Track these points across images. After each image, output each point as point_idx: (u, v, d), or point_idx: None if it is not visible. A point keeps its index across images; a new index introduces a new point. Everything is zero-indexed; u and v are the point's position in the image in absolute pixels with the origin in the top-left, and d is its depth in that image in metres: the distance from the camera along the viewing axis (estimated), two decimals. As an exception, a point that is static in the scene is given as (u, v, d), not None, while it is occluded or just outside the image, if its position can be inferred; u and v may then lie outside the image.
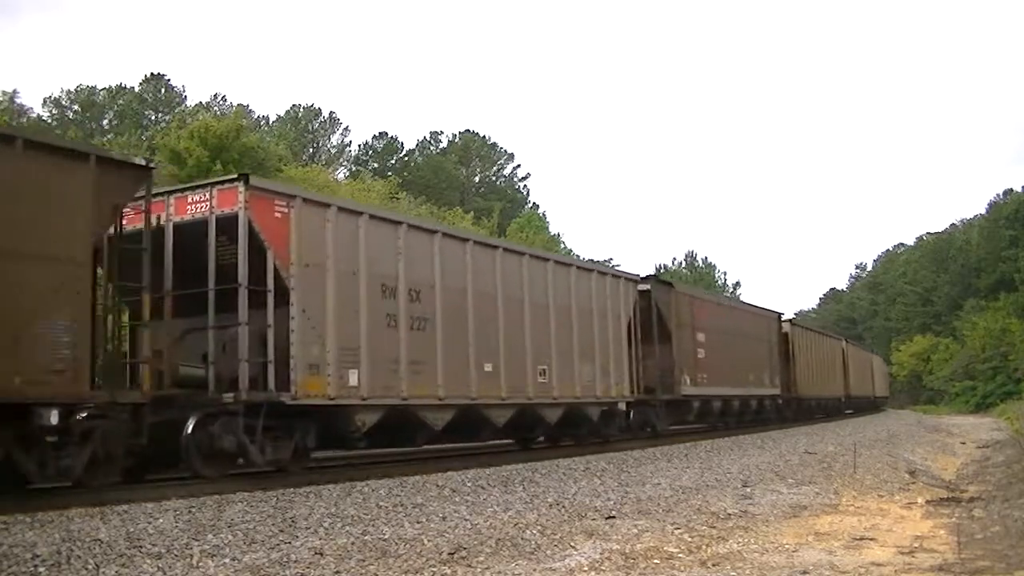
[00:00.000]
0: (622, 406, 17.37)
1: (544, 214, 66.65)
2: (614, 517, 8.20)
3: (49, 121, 55.06)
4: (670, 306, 19.95)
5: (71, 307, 8.05)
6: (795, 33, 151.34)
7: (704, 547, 6.91)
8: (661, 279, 22.07)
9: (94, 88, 63.26)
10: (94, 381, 8.63)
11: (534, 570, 5.99)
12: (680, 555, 6.60)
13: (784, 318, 30.26)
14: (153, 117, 62.04)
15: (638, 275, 19.42)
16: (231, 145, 31.81)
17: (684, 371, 19.95)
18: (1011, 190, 77.83)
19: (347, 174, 59.58)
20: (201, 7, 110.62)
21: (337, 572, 5.71)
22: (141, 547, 6.14)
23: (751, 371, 24.75)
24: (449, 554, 6.29)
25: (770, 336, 27.13)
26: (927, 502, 10.61)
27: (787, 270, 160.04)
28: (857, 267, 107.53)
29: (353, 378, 10.91)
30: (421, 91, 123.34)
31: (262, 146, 38.35)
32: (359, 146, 73.36)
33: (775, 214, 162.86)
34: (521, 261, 14.81)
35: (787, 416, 28.56)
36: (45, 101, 60.52)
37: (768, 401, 26.40)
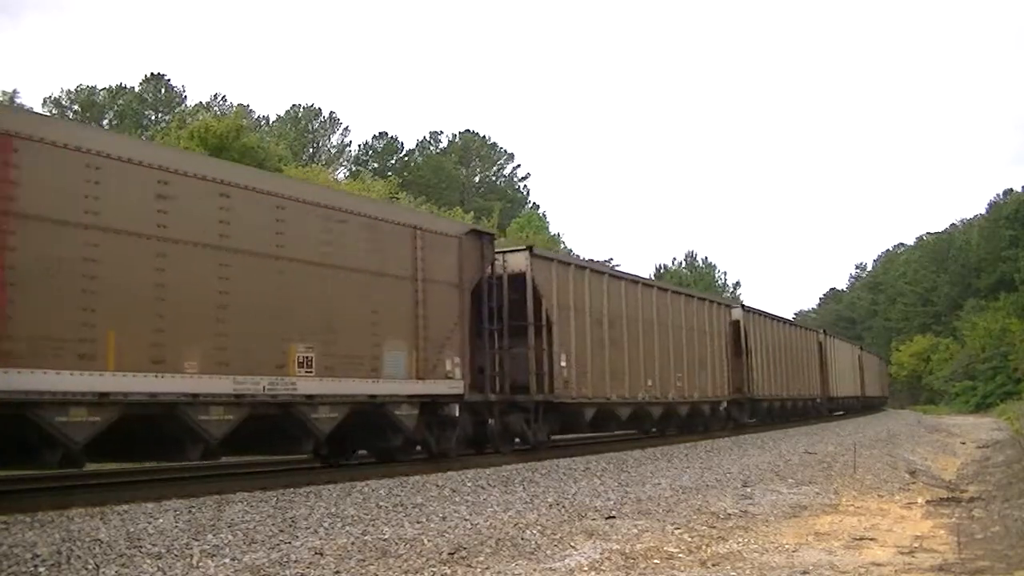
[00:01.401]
0: None
1: (544, 214, 66.60)
2: (614, 517, 8.20)
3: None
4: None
5: None
6: (795, 33, 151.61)
7: (704, 547, 6.92)
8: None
9: (94, 88, 63.57)
10: None
11: (534, 570, 5.99)
12: (680, 555, 6.60)
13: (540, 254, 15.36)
14: (153, 117, 62.19)
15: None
16: (231, 145, 31.82)
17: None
18: (1011, 190, 78.06)
19: (347, 174, 59.58)
20: (201, 7, 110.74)
21: (337, 572, 5.71)
22: (141, 547, 6.14)
23: (391, 341, 11.53)
24: (449, 554, 6.29)
25: (459, 282, 12.93)
26: (927, 502, 10.62)
27: (787, 270, 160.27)
28: (857, 267, 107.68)
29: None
30: (421, 91, 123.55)
31: (262, 146, 38.38)
32: (359, 146, 73.54)
33: (775, 214, 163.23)
34: None
35: (526, 438, 14.27)
36: (45, 101, 60.77)
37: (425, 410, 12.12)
